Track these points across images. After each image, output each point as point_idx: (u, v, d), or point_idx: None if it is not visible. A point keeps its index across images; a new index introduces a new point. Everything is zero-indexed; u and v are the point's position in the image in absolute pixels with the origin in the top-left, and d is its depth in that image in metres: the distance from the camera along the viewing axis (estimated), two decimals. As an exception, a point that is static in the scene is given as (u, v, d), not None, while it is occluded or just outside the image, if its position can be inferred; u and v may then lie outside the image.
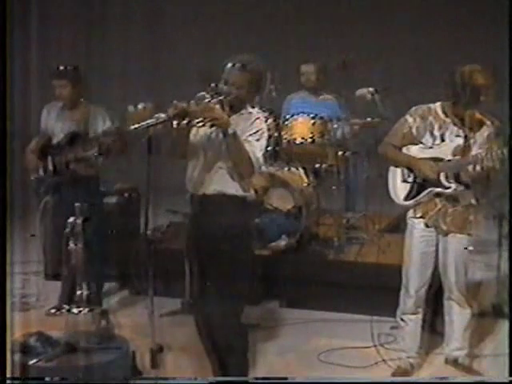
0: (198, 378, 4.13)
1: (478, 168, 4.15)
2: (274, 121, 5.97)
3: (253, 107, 3.99)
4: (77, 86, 5.26)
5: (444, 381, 4.40)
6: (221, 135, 3.71)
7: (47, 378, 3.70)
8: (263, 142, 3.85)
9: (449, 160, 4.25)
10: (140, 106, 3.71)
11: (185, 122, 3.68)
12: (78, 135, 5.20)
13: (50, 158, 5.21)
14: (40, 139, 5.35)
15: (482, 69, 4.13)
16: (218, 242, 3.82)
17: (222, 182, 3.83)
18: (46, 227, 5.36)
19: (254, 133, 3.81)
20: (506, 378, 4.03)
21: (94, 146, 5.13)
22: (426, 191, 4.31)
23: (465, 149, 4.25)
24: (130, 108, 3.69)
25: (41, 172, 5.26)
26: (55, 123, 5.32)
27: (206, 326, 3.98)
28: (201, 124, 3.70)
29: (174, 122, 3.66)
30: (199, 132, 3.89)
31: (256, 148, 3.78)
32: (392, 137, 4.45)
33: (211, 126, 3.71)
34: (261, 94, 4.01)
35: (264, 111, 5.58)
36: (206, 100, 3.71)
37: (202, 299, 3.99)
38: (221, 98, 3.77)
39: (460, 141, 4.25)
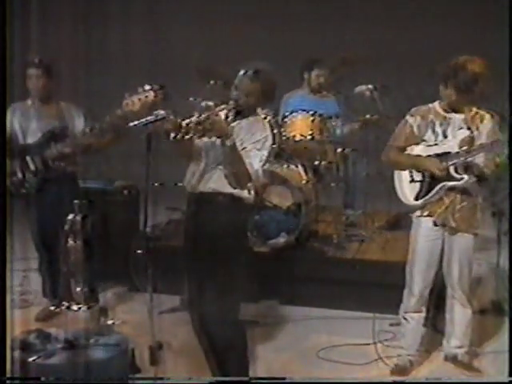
0: (197, 378, 4.13)
1: (487, 158, 4.17)
2: (273, 118, 5.96)
3: (264, 116, 3.99)
4: (51, 80, 5.21)
5: (444, 381, 4.40)
6: (219, 143, 3.71)
7: (43, 378, 3.69)
8: (264, 151, 3.83)
9: (457, 152, 4.24)
10: (140, 90, 3.67)
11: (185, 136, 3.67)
12: (58, 132, 5.16)
13: (29, 158, 5.13)
14: (8, 141, 5.19)
15: (475, 58, 4.16)
16: (213, 240, 3.82)
17: (219, 182, 3.83)
18: (33, 227, 5.36)
19: (257, 141, 3.81)
20: (506, 377, 4.02)
21: (75, 143, 5.09)
22: (439, 186, 4.28)
23: (470, 141, 4.25)
24: (127, 95, 3.66)
25: (19, 174, 5.17)
26: (28, 122, 5.23)
27: (202, 325, 3.98)
28: (201, 135, 3.69)
29: (171, 135, 3.64)
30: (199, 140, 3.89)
31: (255, 159, 3.77)
32: (395, 140, 4.46)
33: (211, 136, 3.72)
34: (271, 102, 4.00)
35: (263, 108, 5.58)
36: (210, 110, 3.72)
37: (198, 297, 3.98)
38: (225, 106, 3.77)
39: (465, 133, 4.25)
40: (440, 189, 4.29)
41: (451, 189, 4.29)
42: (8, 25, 4.14)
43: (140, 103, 3.71)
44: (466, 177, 4.23)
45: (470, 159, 4.21)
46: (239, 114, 3.86)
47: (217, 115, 3.71)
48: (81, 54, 9.14)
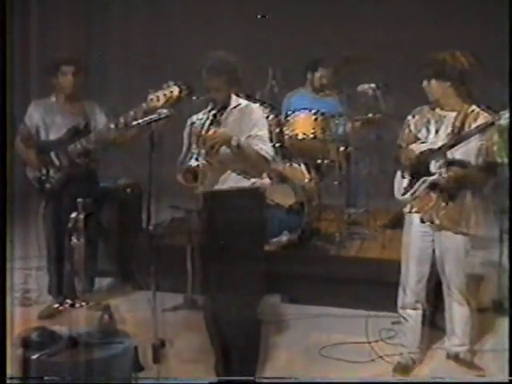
0: (199, 378, 4.14)
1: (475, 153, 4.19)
2: (276, 117, 5.98)
3: (237, 95, 4.02)
4: (81, 76, 5.29)
5: (444, 381, 4.40)
6: (227, 150, 3.74)
7: (45, 378, 3.69)
8: (266, 131, 3.90)
9: (439, 148, 4.27)
10: (165, 86, 3.71)
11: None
12: (82, 128, 5.22)
13: (53, 154, 5.20)
14: (29, 136, 5.32)
15: (462, 52, 4.23)
16: (236, 235, 3.84)
17: (235, 179, 3.87)
18: (49, 223, 5.38)
19: (256, 123, 3.87)
20: (506, 377, 4.03)
21: (98, 139, 5.14)
22: (420, 182, 4.33)
23: (455, 137, 4.26)
24: (151, 91, 3.70)
25: (43, 170, 5.24)
26: (52, 118, 5.30)
27: (219, 322, 4.01)
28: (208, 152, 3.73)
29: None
30: None
31: (263, 140, 3.82)
32: (399, 139, 4.53)
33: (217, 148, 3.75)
34: (241, 86, 4.01)
35: (265, 107, 5.61)
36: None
37: (216, 295, 4.00)
38: (213, 112, 3.79)
39: (454, 130, 4.27)
40: (422, 183, 4.32)
41: (436, 186, 4.31)
42: (8, 25, 4.16)
43: (165, 98, 3.75)
44: (440, 171, 4.24)
45: (449, 154, 4.22)
46: (222, 107, 3.90)
47: (208, 131, 3.74)
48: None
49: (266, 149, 3.82)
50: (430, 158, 4.28)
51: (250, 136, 3.80)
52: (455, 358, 4.57)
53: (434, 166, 4.27)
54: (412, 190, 4.36)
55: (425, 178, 4.31)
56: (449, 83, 4.24)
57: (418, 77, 4.36)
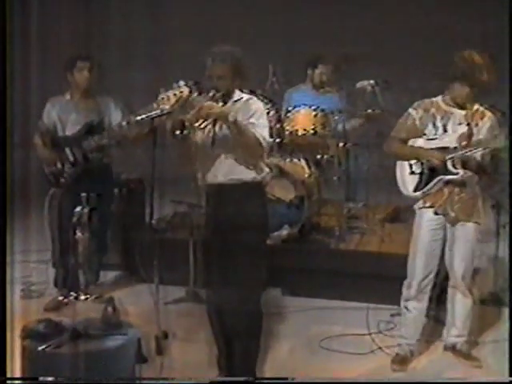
0: (198, 378, 4.19)
1: (484, 152, 4.24)
2: (277, 113, 6.03)
3: (241, 91, 4.06)
4: (96, 73, 5.39)
5: (444, 381, 4.43)
6: (224, 128, 3.79)
7: (41, 378, 3.73)
8: (265, 121, 3.94)
9: (455, 147, 4.33)
10: (175, 86, 3.77)
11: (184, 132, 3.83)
12: (96, 124, 5.31)
13: (68, 150, 5.28)
14: (46, 132, 5.41)
15: (479, 52, 4.27)
16: (238, 229, 3.88)
17: (236, 170, 3.91)
18: (55, 217, 5.44)
19: (254, 112, 3.89)
20: (506, 378, 4.07)
21: (111, 135, 5.22)
22: (436, 180, 4.38)
23: (469, 136, 4.33)
24: (162, 91, 3.76)
25: (59, 165, 5.32)
26: (67, 115, 5.38)
27: (222, 316, 4.06)
28: (204, 125, 3.78)
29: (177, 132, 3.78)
30: (201, 132, 3.98)
31: (260, 127, 3.85)
32: (398, 131, 4.53)
33: (213, 123, 3.79)
34: (244, 79, 4.04)
35: (266, 103, 5.67)
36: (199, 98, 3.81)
37: (218, 288, 4.05)
38: (212, 93, 3.83)
39: (464, 128, 4.34)
40: (437, 182, 4.38)
41: (449, 181, 4.37)
42: (8, 25, 4.22)
43: (175, 98, 3.80)
44: (461, 172, 4.31)
45: (467, 154, 4.29)
46: (222, 99, 3.92)
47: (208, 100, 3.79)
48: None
49: (264, 134, 3.86)
50: (446, 156, 4.32)
51: (248, 123, 3.84)
52: (452, 348, 4.62)
53: (449, 164, 4.33)
54: (426, 188, 4.41)
55: (441, 177, 4.36)
56: (472, 86, 4.27)
57: (438, 76, 4.40)
